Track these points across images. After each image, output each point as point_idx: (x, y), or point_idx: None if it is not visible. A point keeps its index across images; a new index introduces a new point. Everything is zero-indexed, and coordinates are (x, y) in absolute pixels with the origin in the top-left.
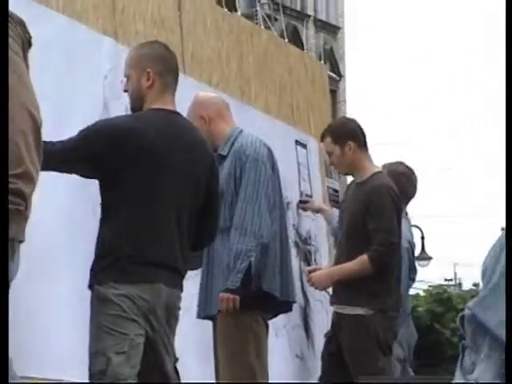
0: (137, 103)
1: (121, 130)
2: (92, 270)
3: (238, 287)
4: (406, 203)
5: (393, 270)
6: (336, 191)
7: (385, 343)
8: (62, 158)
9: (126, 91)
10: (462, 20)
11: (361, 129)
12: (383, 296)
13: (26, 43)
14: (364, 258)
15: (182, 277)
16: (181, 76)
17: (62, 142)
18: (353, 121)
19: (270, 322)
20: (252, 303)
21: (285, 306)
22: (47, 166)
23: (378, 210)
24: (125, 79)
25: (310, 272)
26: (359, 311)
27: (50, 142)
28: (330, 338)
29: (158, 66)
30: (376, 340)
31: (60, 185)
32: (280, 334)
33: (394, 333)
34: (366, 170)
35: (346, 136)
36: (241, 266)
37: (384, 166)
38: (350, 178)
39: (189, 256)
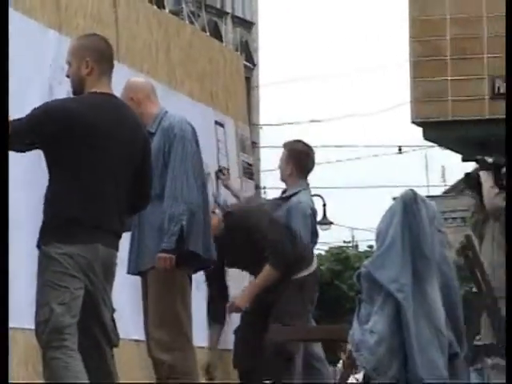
0: (78, 88)
1: (63, 109)
2: (40, 231)
3: (173, 248)
4: (306, 176)
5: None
6: (249, 164)
7: (313, 295)
8: (13, 134)
9: (68, 76)
10: (374, 11)
11: None
12: (304, 262)
13: None
14: (267, 267)
15: (119, 237)
16: (116, 64)
17: (14, 121)
18: None
19: (192, 277)
20: (180, 261)
21: (206, 263)
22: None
23: (257, 234)
24: (67, 66)
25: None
26: (297, 276)
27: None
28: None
29: (95, 55)
30: (309, 296)
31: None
32: (200, 288)
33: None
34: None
35: None
36: (174, 228)
37: (285, 145)
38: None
39: (124, 219)
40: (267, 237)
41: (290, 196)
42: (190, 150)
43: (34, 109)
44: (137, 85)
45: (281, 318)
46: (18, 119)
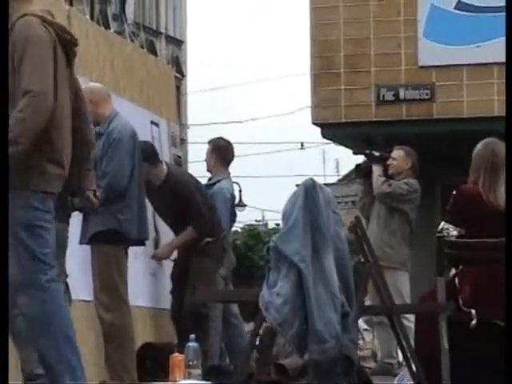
0: None
1: None
2: None
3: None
4: (227, 167)
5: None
6: (179, 157)
7: (220, 260)
8: None
9: None
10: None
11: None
12: (216, 231)
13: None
14: (190, 228)
15: (69, 215)
16: None
17: None
18: None
19: (131, 249)
20: (116, 239)
21: (139, 243)
22: None
23: (186, 199)
24: None
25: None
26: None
27: None
28: (176, 261)
29: None
30: (218, 261)
31: None
32: (138, 258)
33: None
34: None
35: None
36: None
37: (209, 141)
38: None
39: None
40: (193, 204)
41: (214, 183)
42: (123, 151)
43: None
44: (95, 89)
45: (193, 279)
46: None
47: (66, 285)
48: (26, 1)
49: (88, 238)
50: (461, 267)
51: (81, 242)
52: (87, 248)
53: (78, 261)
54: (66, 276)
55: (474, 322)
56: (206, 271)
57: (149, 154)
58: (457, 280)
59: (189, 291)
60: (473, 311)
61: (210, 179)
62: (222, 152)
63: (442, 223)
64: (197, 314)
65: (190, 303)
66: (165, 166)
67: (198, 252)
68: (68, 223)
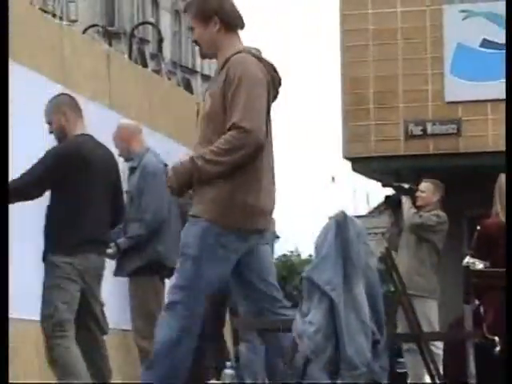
0: (61, 136)
1: (69, 154)
2: (46, 245)
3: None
4: None
5: None
6: None
7: None
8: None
9: (51, 132)
10: None
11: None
12: None
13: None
14: None
15: (107, 246)
16: (109, 111)
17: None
18: None
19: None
20: (155, 269)
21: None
22: None
23: None
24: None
25: None
26: None
27: None
28: None
29: (69, 108)
30: None
31: None
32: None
33: None
34: None
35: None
36: (131, 241)
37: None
38: None
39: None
40: None
41: None
42: (160, 184)
43: (39, 162)
44: (125, 125)
45: None
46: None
47: (103, 314)
48: (237, 37)
49: (127, 273)
50: (486, 295)
51: (116, 275)
52: (122, 279)
53: (111, 289)
54: (102, 305)
55: (497, 348)
56: None
57: None
58: (482, 308)
59: None
60: (496, 338)
61: None
62: None
63: (468, 257)
64: None
65: None
66: None
67: None
68: (105, 256)
